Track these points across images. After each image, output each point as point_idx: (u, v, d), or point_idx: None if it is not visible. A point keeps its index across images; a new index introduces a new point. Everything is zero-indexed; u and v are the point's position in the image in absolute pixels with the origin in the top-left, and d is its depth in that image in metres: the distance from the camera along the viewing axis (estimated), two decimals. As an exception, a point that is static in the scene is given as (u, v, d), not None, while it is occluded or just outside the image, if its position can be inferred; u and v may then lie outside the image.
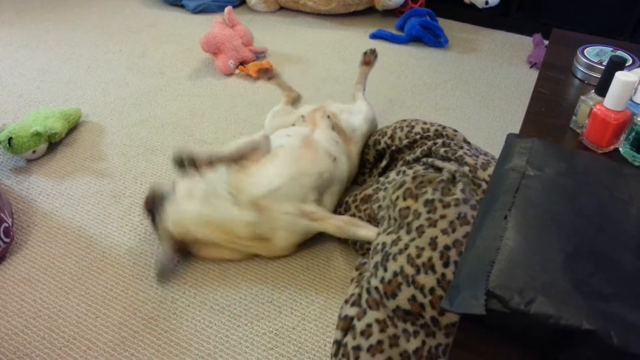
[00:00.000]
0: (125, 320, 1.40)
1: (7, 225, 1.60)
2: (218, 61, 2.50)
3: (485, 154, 1.68)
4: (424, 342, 1.15)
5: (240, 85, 2.44)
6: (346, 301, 1.33)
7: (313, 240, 1.63)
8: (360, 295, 1.30)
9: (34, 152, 1.91)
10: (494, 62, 2.72)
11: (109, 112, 2.23)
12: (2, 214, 1.61)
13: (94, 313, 1.42)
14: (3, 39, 2.79)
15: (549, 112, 1.17)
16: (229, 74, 2.51)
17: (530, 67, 2.68)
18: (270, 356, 1.32)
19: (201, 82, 2.47)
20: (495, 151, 1.89)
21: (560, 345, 0.56)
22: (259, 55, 2.67)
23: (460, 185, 1.34)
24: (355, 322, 1.22)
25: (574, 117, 1.10)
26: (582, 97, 1.06)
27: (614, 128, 0.95)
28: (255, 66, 2.50)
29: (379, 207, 1.47)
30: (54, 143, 2.00)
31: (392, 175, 1.61)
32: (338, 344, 1.24)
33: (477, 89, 2.48)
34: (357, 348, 1.17)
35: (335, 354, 1.23)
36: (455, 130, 1.73)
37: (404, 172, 1.58)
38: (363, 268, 1.45)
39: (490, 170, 1.47)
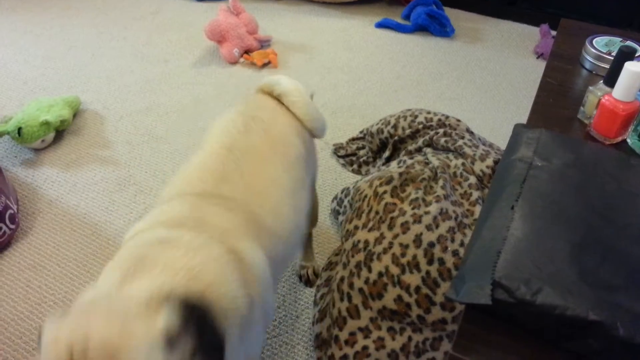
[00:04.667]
0: (130, 307, 1.41)
1: (12, 211, 1.61)
2: (223, 49, 2.48)
3: (490, 145, 1.68)
4: (410, 338, 1.15)
5: (244, 73, 2.43)
6: (314, 322, 1.32)
7: (317, 231, 1.63)
8: (328, 308, 1.29)
9: (42, 141, 1.91)
10: (500, 52, 2.70)
11: (113, 100, 2.23)
12: (7, 201, 1.61)
13: (99, 300, 1.43)
14: (7, 26, 2.78)
15: (556, 102, 1.16)
16: (234, 62, 2.50)
17: (537, 58, 2.65)
18: (274, 343, 1.33)
19: (206, 70, 2.46)
20: (500, 142, 1.88)
21: (566, 336, 0.56)
22: (264, 43, 2.66)
23: (440, 182, 1.34)
24: (336, 332, 1.21)
25: (581, 108, 1.09)
26: (590, 88, 1.05)
27: (623, 119, 0.94)
28: (260, 55, 2.49)
29: (361, 194, 1.44)
30: (59, 131, 2.00)
31: (394, 164, 1.61)
32: None
33: (483, 80, 2.46)
34: (344, 357, 1.17)
35: None
36: (458, 120, 1.73)
37: (405, 162, 1.57)
38: (330, 272, 1.44)
39: (489, 161, 1.46)
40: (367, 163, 1.90)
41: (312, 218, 1.39)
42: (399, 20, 2.93)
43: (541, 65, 2.55)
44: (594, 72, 1.28)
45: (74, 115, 2.09)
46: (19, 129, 1.86)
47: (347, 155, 1.95)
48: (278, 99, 1.12)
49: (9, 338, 1.34)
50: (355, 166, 1.91)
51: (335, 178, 1.88)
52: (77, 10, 2.99)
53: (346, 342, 1.17)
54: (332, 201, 1.72)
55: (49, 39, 2.68)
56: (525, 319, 0.57)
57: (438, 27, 2.80)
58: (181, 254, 0.75)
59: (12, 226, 1.59)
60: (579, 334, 0.54)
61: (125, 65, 2.49)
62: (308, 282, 1.48)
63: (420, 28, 2.83)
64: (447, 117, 1.71)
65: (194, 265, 0.75)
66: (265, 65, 2.48)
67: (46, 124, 1.88)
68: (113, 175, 1.84)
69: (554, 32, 2.75)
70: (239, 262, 0.82)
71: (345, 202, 1.63)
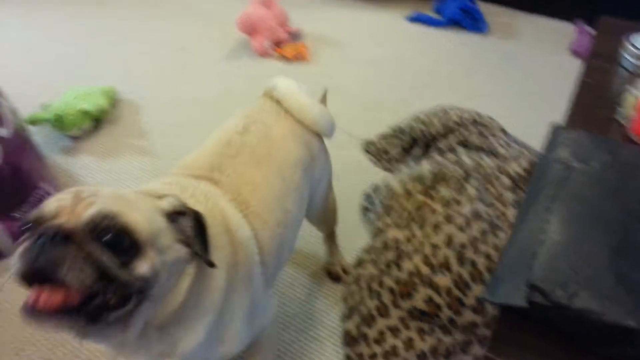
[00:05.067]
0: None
1: (52, 198, 1.67)
2: (254, 42, 2.51)
3: (523, 145, 1.66)
4: (439, 340, 1.15)
5: (275, 66, 2.45)
6: (343, 318, 1.34)
7: (346, 227, 1.64)
8: (357, 306, 1.30)
9: (80, 129, 1.97)
10: (535, 49, 2.65)
11: (148, 91, 2.28)
12: (47, 187, 1.67)
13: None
14: (42, 18, 2.85)
15: (594, 102, 1.15)
16: (265, 55, 2.52)
17: (573, 56, 2.60)
18: (303, 338, 1.35)
19: (237, 62, 2.49)
20: (534, 141, 1.85)
21: (601, 341, 0.56)
22: (294, 36, 2.67)
23: (473, 182, 1.33)
24: (366, 330, 1.22)
25: (619, 109, 1.07)
26: (629, 88, 1.04)
27: (663, 122, 0.92)
28: (290, 47, 2.50)
29: (391, 192, 1.44)
30: (97, 120, 2.06)
31: (425, 163, 1.61)
32: (348, 358, 1.25)
33: (517, 77, 2.43)
34: (373, 356, 1.18)
35: None
36: (491, 118, 1.71)
37: (437, 160, 1.57)
38: (360, 270, 1.44)
39: (522, 161, 1.45)
40: (397, 160, 1.90)
41: (330, 220, 1.42)
42: (431, 15, 2.90)
43: (577, 63, 2.49)
44: (633, 72, 1.25)
45: (111, 105, 2.15)
46: (58, 117, 1.92)
47: (377, 152, 1.95)
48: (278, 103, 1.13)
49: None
50: (385, 163, 1.91)
51: (364, 174, 1.88)
52: (112, 3, 3.04)
53: (375, 340, 1.18)
54: (362, 198, 1.73)
55: (85, 30, 2.74)
56: (560, 323, 0.57)
57: (471, 22, 2.76)
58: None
59: (52, 212, 1.65)
60: (615, 340, 0.55)
61: (159, 56, 2.53)
62: (338, 279, 1.49)
63: (452, 22, 2.80)
64: (480, 115, 1.70)
65: (195, 203, 0.83)
66: (296, 58, 2.49)
67: (85, 112, 1.94)
68: (147, 165, 1.89)
69: (590, 29, 2.69)
70: (226, 223, 0.87)
71: (375, 199, 1.64)
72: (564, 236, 0.64)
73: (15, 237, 1.56)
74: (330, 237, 1.48)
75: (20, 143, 1.62)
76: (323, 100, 1.33)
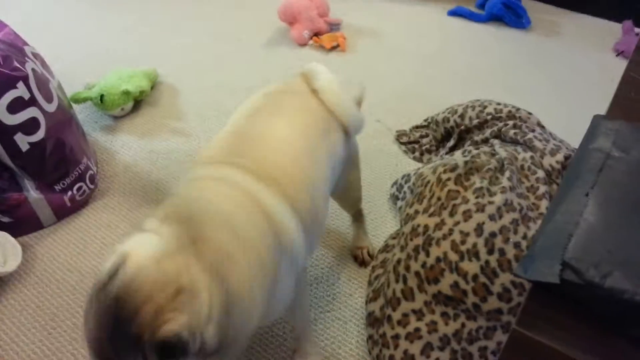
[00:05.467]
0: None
1: (92, 172, 1.73)
2: (293, 31, 2.53)
3: (560, 141, 1.63)
4: (463, 325, 1.15)
5: (312, 56, 2.46)
6: (367, 301, 1.35)
7: (375, 215, 1.65)
8: (382, 288, 1.31)
9: (122, 109, 2.03)
10: (577, 47, 2.59)
11: (187, 75, 2.32)
12: (89, 162, 1.73)
13: (166, 260, 1.52)
14: (94, 2, 2.94)
15: (637, 97, 1.12)
16: (303, 45, 2.54)
17: (617, 55, 2.53)
18: (327, 318, 1.37)
19: (275, 50, 2.52)
20: (572, 139, 1.81)
21: (632, 322, 0.55)
22: (334, 26, 2.68)
23: (507, 174, 1.31)
24: (390, 312, 1.23)
25: (665, 104, 1.04)
26: (677, 83, 1.01)
27: None
28: (329, 38, 2.51)
29: (423, 180, 1.43)
30: (137, 101, 2.11)
31: (458, 154, 1.60)
32: (371, 339, 1.26)
33: (558, 75, 2.38)
34: (395, 337, 1.18)
35: (372, 350, 1.25)
36: (530, 113, 1.69)
37: (470, 152, 1.56)
38: (386, 254, 1.45)
39: (559, 156, 1.43)
40: (429, 151, 1.89)
41: (352, 199, 1.45)
42: (473, 9, 2.86)
43: (620, 63, 2.43)
44: (681, 68, 1.21)
45: (152, 87, 2.20)
46: (101, 96, 1.98)
47: (409, 143, 1.95)
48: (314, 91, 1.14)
49: (84, 289, 1.45)
50: (417, 154, 1.91)
51: (396, 164, 1.89)
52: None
53: (399, 322, 1.19)
54: (392, 186, 1.73)
55: (129, 13, 2.81)
56: (592, 302, 0.57)
57: (514, 18, 2.72)
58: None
59: (92, 186, 1.71)
60: (648, 321, 0.54)
61: (199, 41, 2.58)
62: (363, 263, 1.50)
63: (494, 18, 2.76)
64: (518, 109, 1.68)
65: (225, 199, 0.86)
66: (333, 48, 2.50)
67: (127, 93, 1.99)
68: (184, 146, 1.93)
69: (638, 30, 2.61)
70: (269, 218, 0.88)
71: (405, 188, 1.64)
72: (601, 220, 0.64)
73: (55, 208, 1.62)
74: (358, 220, 1.49)
75: (64, 119, 1.68)
76: (361, 96, 1.34)
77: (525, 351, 0.58)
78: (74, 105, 1.93)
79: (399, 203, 1.64)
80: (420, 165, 1.86)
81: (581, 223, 0.63)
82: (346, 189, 1.35)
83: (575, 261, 0.57)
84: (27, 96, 1.48)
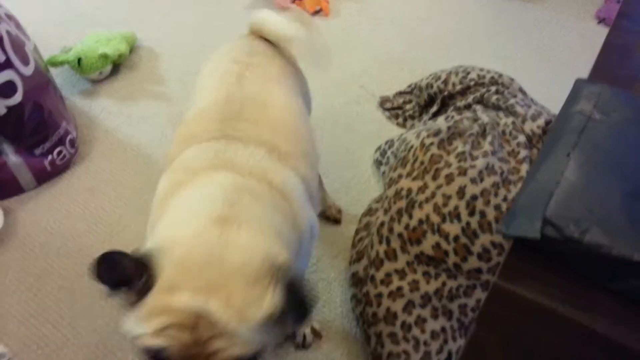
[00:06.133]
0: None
1: (72, 137, 1.70)
2: (275, -6, 2.48)
3: (542, 107, 1.66)
4: (444, 283, 1.19)
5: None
6: (351, 262, 1.38)
7: (358, 180, 1.66)
8: (366, 249, 1.34)
9: (100, 73, 1.98)
10: (559, 14, 2.60)
11: (167, 38, 2.27)
12: (68, 126, 1.70)
13: (150, 224, 1.52)
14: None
15: (619, 63, 1.14)
16: (285, 8, 2.49)
17: (598, 23, 2.54)
18: (312, 279, 1.39)
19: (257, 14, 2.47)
20: (553, 106, 1.84)
21: (609, 275, 0.58)
22: (317, -10, 2.63)
23: (489, 138, 1.34)
24: (373, 272, 1.25)
25: (644, 69, 1.06)
26: (657, 48, 1.02)
27: (688, 81, 0.92)
28: (312, 1, 2.47)
29: (407, 144, 1.45)
30: (116, 65, 2.07)
31: (441, 119, 1.61)
32: (355, 297, 1.29)
33: (540, 41, 2.39)
34: (378, 295, 1.21)
35: (355, 308, 1.28)
36: (512, 79, 1.70)
37: (453, 117, 1.57)
38: (370, 218, 1.47)
39: (540, 121, 1.45)
40: (412, 117, 1.90)
41: None
42: (457, -25, 2.83)
43: (602, 30, 2.45)
44: (662, 34, 1.23)
45: (130, 51, 2.15)
46: (79, 60, 1.93)
47: (393, 109, 1.96)
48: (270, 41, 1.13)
49: (68, 251, 1.44)
50: (400, 119, 1.91)
51: (379, 130, 1.89)
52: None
53: (382, 281, 1.22)
54: (375, 152, 1.74)
55: (106, -26, 2.71)
56: (571, 257, 0.59)
57: (497, -16, 2.70)
58: (262, 208, 0.80)
59: (72, 150, 1.68)
60: (622, 273, 0.57)
61: (180, 4, 2.51)
62: (336, 220, 1.53)
63: (478, -16, 2.74)
64: (501, 75, 1.69)
65: (276, 224, 0.80)
66: (316, 12, 2.46)
67: (104, 56, 1.95)
68: (165, 111, 1.91)
69: (619, -4, 2.62)
70: (285, 200, 0.86)
71: (389, 153, 1.65)
72: (581, 179, 0.66)
73: (35, 172, 1.60)
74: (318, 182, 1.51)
75: (42, 82, 1.64)
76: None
77: (505, 303, 0.61)
78: (51, 69, 1.88)
79: (382, 168, 1.65)
80: (403, 131, 1.87)
81: (562, 182, 0.65)
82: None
83: (555, 218, 0.59)
84: (2, 58, 1.44)
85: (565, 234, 0.58)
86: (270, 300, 0.69)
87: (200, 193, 0.81)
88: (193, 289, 0.66)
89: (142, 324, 0.68)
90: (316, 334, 1.24)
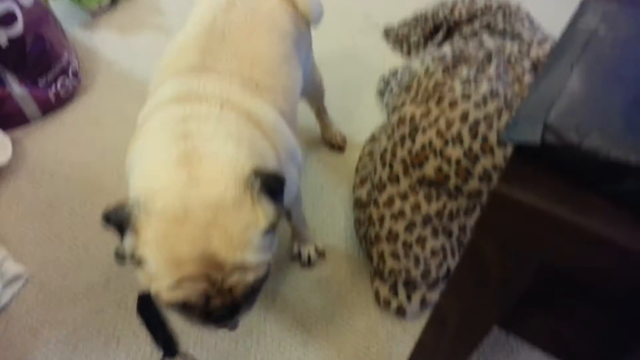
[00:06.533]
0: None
1: (74, 68, 1.69)
2: None
3: (548, 35, 1.63)
4: (445, 205, 1.22)
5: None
6: (355, 187, 1.40)
7: (363, 110, 1.67)
8: (369, 175, 1.36)
9: (99, 4, 1.94)
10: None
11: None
12: (70, 57, 1.69)
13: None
14: None
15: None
16: None
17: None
18: (317, 204, 1.43)
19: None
20: (559, 31, 1.81)
21: (606, 178, 0.60)
22: None
23: (494, 64, 1.33)
24: (376, 195, 1.28)
25: (654, -13, 1.04)
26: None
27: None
28: None
29: (412, 72, 1.44)
30: (114, -6, 2.02)
31: (446, 47, 1.59)
32: (358, 220, 1.33)
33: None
34: (381, 217, 1.24)
35: (359, 230, 1.32)
36: (518, 6, 1.67)
37: (459, 44, 1.55)
38: (373, 144, 1.48)
39: (546, 46, 1.44)
40: (418, 46, 1.88)
41: (319, 94, 1.44)
42: None
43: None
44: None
45: (128, -20, 2.10)
46: (77, -10, 1.89)
47: (397, 38, 1.93)
48: None
49: (79, 178, 1.47)
50: (405, 49, 1.89)
51: (383, 60, 1.88)
52: None
53: (384, 204, 1.25)
54: (379, 81, 1.74)
55: None
56: (570, 163, 0.62)
57: None
58: (215, 126, 0.80)
59: (75, 81, 1.69)
60: (619, 176, 0.59)
61: None
62: (340, 148, 1.56)
63: None
64: (508, 1, 1.66)
65: (244, 137, 0.81)
66: None
67: (103, -14, 1.91)
68: (163, 41, 1.87)
69: None
70: (258, 124, 0.87)
71: (392, 83, 1.65)
72: (584, 89, 0.67)
73: (40, 103, 1.61)
74: (323, 112, 1.52)
75: (41, 13, 1.62)
76: None
77: (505, 208, 0.63)
78: (50, 1, 1.84)
79: (386, 97, 1.65)
80: (408, 61, 1.86)
81: (564, 91, 0.66)
82: (313, 83, 1.35)
83: (556, 124, 0.61)
84: (0, -14, 1.42)
85: (565, 140, 0.60)
86: (261, 214, 0.73)
87: (156, 133, 0.81)
88: (188, 238, 0.69)
89: (155, 282, 0.72)
90: (320, 253, 1.29)
